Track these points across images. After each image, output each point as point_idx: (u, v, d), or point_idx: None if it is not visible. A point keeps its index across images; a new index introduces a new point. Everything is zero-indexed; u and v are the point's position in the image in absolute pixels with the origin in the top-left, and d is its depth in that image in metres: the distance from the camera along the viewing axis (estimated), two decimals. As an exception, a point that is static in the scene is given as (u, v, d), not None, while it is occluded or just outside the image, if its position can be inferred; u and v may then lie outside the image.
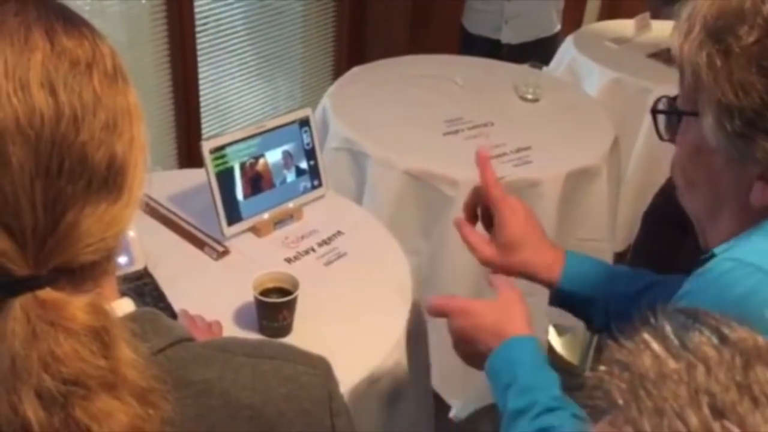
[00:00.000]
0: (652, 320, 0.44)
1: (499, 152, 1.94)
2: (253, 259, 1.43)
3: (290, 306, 1.23)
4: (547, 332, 2.21)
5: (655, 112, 0.89)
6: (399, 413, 1.32)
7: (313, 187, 1.60)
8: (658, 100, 0.89)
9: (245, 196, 1.48)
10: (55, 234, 0.54)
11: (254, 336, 1.23)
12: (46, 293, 0.53)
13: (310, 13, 3.31)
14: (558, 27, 3.06)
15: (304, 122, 1.56)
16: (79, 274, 0.56)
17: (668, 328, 0.43)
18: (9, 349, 0.51)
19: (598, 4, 4.27)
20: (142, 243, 1.31)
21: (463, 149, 1.95)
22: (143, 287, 1.30)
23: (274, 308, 1.22)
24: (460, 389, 2.00)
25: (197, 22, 2.79)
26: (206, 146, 1.42)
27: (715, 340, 0.42)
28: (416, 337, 1.38)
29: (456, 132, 2.05)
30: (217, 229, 1.46)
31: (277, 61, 3.25)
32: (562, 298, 1.11)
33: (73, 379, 0.51)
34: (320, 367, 0.69)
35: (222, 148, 1.44)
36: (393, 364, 1.25)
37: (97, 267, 0.58)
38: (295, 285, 1.24)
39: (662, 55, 2.77)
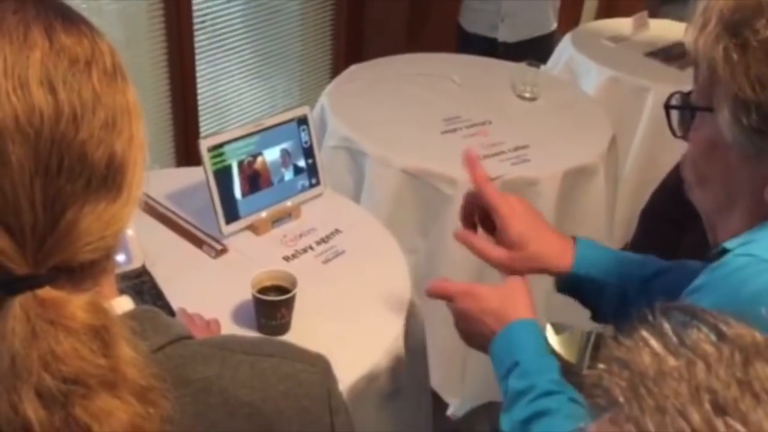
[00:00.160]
0: (650, 318, 0.44)
1: (497, 151, 1.94)
2: (251, 258, 1.43)
3: (288, 304, 1.23)
4: (544, 330, 2.21)
5: (668, 107, 0.88)
6: (397, 411, 1.32)
7: (311, 186, 1.60)
8: (671, 95, 0.89)
9: (243, 195, 1.48)
10: (55, 233, 0.53)
11: (252, 334, 1.23)
12: (46, 292, 0.53)
13: (307, 12, 3.30)
14: (554, 25, 3.06)
15: (302, 120, 1.56)
16: (78, 273, 0.56)
17: (666, 326, 0.43)
18: (9, 348, 0.51)
19: (595, 3, 4.27)
20: (141, 241, 1.31)
21: (461, 148, 1.95)
22: (142, 285, 1.30)
23: (272, 306, 1.22)
24: (458, 387, 2.01)
25: (195, 20, 2.78)
26: (204, 144, 1.42)
27: (713, 337, 0.42)
28: (414, 335, 1.38)
29: (454, 130, 2.05)
30: (215, 228, 1.46)
31: (275, 60, 3.25)
32: (573, 284, 1.10)
33: (74, 377, 0.51)
34: (319, 365, 0.69)
35: (220, 146, 1.44)
36: (391, 362, 1.26)
37: (97, 265, 0.58)
38: (293, 283, 1.24)
39: (660, 54, 2.77)
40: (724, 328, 0.42)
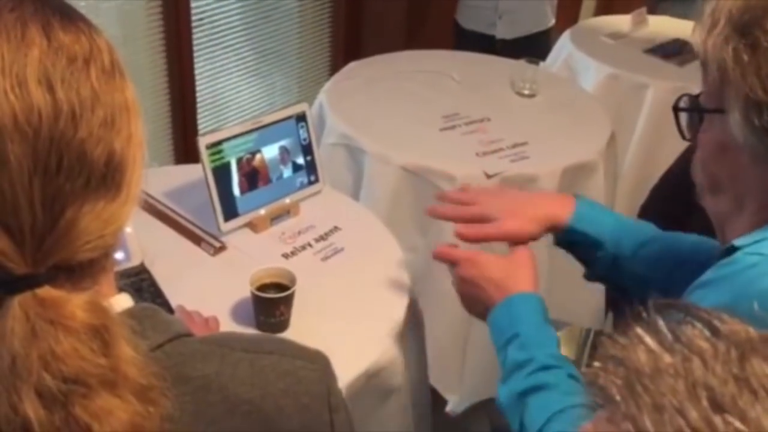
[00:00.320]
0: (645, 315, 0.44)
1: (496, 147, 1.94)
2: (250, 255, 1.43)
3: (287, 301, 1.23)
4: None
5: (677, 110, 0.87)
6: (396, 408, 1.32)
7: (310, 183, 1.60)
8: (680, 98, 0.88)
9: (242, 192, 1.48)
10: (54, 232, 0.53)
11: (251, 331, 1.23)
12: (45, 291, 0.53)
13: (306, 9, 3.30)
14: (552, 21, 3.06)
15: (301, 118, 1.56)
16: (77, 272, 0.56)
17: (661, 323, 0.43)
18: (9, 348, 0.51)
19: (593, 0, 4.27)
20: (139, 239, 1.31)
21: (460, 145, 1.96)
22: (140, 283, 1.30)
23: (271, 304, 1.22)
24: (457, 384, 2.01)
25: (193, 18, 2.78)
26: (203, 142, 1.42)
27: (707, 333, 0.42)
28: (413, 332, 1.38)
29: (453, 127, 2.05)
30: (213, 225, 1.46)
31: (274, 57, 3.25)
32: (571, 237, 1.11)
33: (74, 377, 0.51)
34: (318, 362, 0.69)
35: (218, 143, 1.44)
36: (390, 359, 1.26)
37: (96, 264, 0.58)
38: (292, 280, 1.24)
39: (659, 51, 2.77)
40: (718, 324, 0.42)
